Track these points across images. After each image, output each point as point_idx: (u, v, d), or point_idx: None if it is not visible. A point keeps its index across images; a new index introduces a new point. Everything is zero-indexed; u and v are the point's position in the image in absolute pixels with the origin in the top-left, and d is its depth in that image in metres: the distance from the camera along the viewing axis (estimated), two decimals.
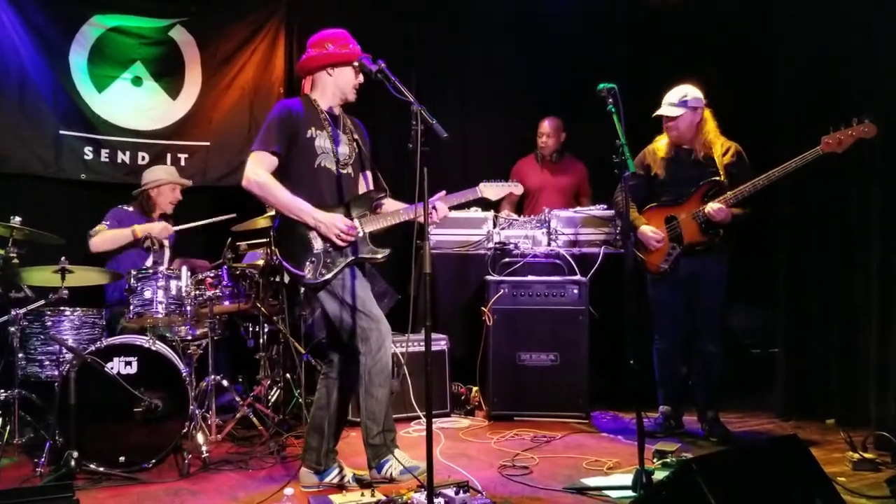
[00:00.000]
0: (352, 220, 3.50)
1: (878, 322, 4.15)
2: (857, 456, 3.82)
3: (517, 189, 4.10)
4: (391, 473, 3.47)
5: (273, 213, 4.71)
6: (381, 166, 3.86)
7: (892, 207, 4.12)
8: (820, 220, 4.82)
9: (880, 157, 4.26)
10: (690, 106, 4.44)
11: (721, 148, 4.46)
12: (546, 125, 5.99)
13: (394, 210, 3.62)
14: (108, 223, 4.86)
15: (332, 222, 3.42)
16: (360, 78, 3.58)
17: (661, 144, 4.58)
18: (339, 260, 3.46)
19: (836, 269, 4.74)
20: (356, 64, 3.56)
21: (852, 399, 4.55)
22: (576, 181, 6.06)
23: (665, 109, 4.45)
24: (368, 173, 3.75)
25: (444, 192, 3.68)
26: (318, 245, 3.45)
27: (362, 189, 3.72)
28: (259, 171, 3.43)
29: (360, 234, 3.53)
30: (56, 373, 4.11)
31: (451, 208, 3.71)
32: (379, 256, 3.59)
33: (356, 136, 3.70)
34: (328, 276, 3.43)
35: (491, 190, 3.95)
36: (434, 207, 3.59)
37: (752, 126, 4.98)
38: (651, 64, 5.93)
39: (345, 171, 3.58)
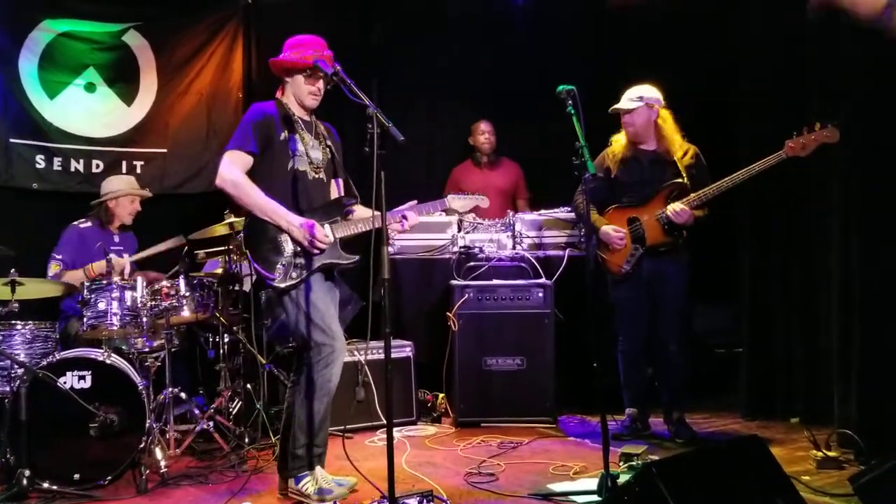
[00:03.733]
0: (323, 225, 3.50)
1: (840, 321, 4.20)
2: (820, 454, 3.86)
3: (483, 203, 4.18)
4: (307, 489, 3.48)
5: (231, 220, 4.72)
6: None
7: (851, 207, 4.18)
8: (781, 220, 4.87)
9: (840, 159, 4.31)
10: (647, 101, 4.49)
11: (680, 149, 4.52)
12: (483, 125, 6.13)
13: (365, 217, 3.63)
14: (60, 259, 4.73)
15: (306, 227, 3.42)
16: (319, 84, 3.57)
17: (619, 146, 4.62)
18: (308, 265, 3.47)
19: (798, 269, 4.79)
20: (308, 71, 3.57)
21: (816, 398, 4.60)
22: (513, 182, 6.16)
23: (622, 103, 4.51)
24: (340, 179, 3.78)
25: (415, 202, 3.73)
26: (288, 249, 3.45)
27: (334, 195, 3.76)
28: (233, 169, 3.43)
29: (331, 240, 3.54)
30: (7, 389, 4.01)
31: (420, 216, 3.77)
32: (349, 263, 3.61)
33: (329, 143, 3.73)
34: (296, 280, 3.43)
35: (459, 202, 4.05)
36: (404, 216, 3.65)
37: (715, 129, 5.04)
38: (614, 67, 5.97)
39: (318, 176, 3.61)
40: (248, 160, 3.48)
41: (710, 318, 5.82)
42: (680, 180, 4.46)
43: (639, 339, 4.60)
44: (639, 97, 4.49)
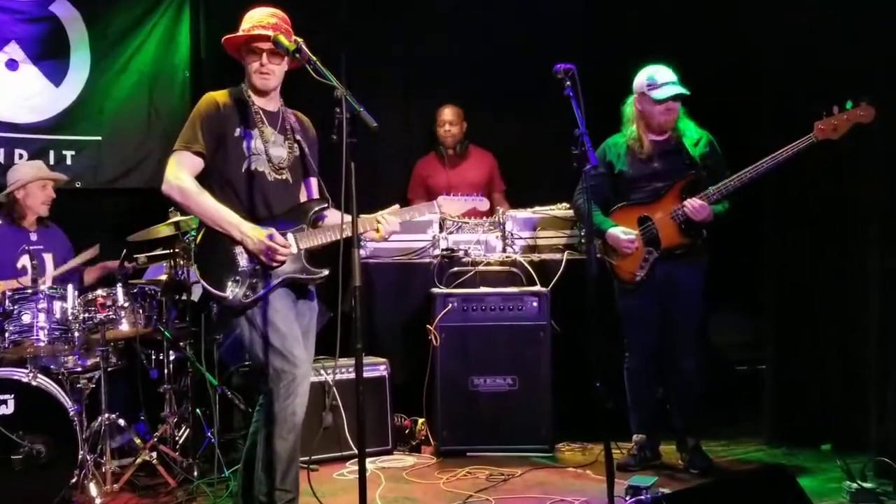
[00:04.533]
0: (285, 234, 3.49)
1: (878, 334, 4.23)
2: (855, 486, 3.86)
3: (482, 205, 4.08)
4: None
5: (177, 219, 4.72)
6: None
7: (893, 201, 4.22)
8: (811, 217, 4.87)
9: (875, 139, 4.33)
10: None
11: (692, 137, 4.53)
12: (447, 112, 6.11)
13: (335, 225, 3.55)
14: None
15: (261, 238, 3.40)
16: (264, 60, 3.52)
17: (623, 138, 4.63)
18: (267, 281, 3.45)
19: (831, 274, 4.80)
20: (247, 46, 3.54)
21: (850, 421, 4.59)
22: (486, 174, 6.14)
23: (680, 88, 4.43)
24: (313, 180, 3.76)
25: (397, 206, 3.73)
26: (243, 262, 3.44)
27: (304, 199, 3.74)
28: (181, 174, 3.42)
29: (295, 251, 3.52)
30: None
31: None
32: (315, 278, 3.59)
33: (298, 137, 3.70)
34: (252, 297, 3.42)
35: (452, 205, 3.96)
36: (378, 222, 3.62)
37: (734, 111, 5.05)
38: (611, 44, 6.02)
39: (280, 178, 3.59)
40: (196, 162, 3.48)
41: (729, 329, 5.83)
42: (695, 172, 4.47)
43: (648, 355, 4.60)
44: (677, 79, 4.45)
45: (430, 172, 6.12)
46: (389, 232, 3.67)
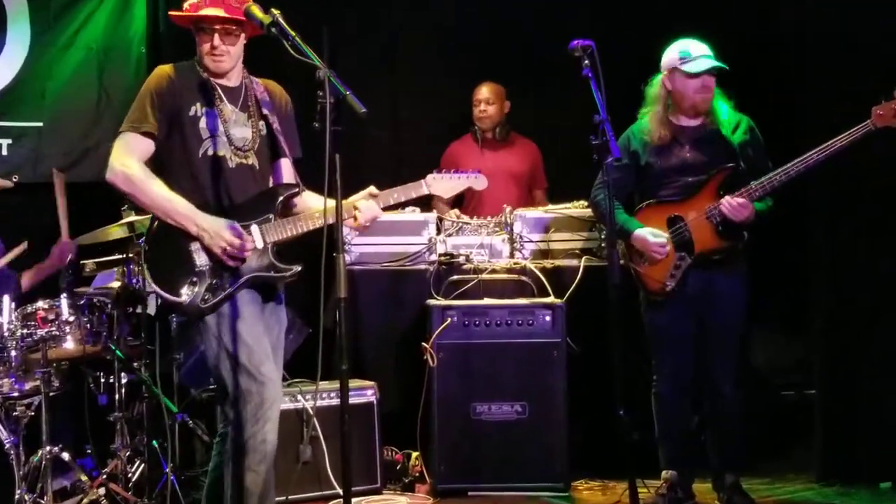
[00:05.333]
0: (249, 227, 3.49)
1: None
2: None
3: (479, 183, 4.00)
4: None
5: (131, 219, 4.72)
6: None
7: None
8: (869, 215, 4.84)
9: None
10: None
11: (730, 122, 4.52)
12: (485, 91, 6.06)
13: (308, 212, 3.60)
14: None
15: (218, 231, 3.40)
16: (216, 41, 3.49)
17: (648, 124, 4.60)
18: (229, 281, 3.45)
19: (892, 285, 4.79)
20: (196, 24, 3.54)
21: None
22: (529, 167, 6.13)
23: (717, 62, 4.43)
24: (285, 162, 3.74)
25: (372, 188, 3.68)
26: (201, 261, 3.44)
27: (273, 184, 3.74)
28: (127, 159, 3.42)
29: (261, 246, 3.51)
30: None
31: (385, 209, 3.71)
32: (285, 275, 3.57)
33: (266, 112, 3.68)
34: (213, 301, 3.42)
35: (442, 184, 3.89)
36: (356, 207, 3.59)
37: (773, 93, 5.14)
38: (636, 18, 6.02)
39: (245, 162, 3.59)
40: (146, 145, 3.47)
41: (774, 349, 5.81)
42: (734, 164, 4.45)
43: (681, 379, 4.56)
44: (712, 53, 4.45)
45: (464, 158, 5.93)
46: (369, 218, 3.62)
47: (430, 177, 3.85)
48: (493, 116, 6.09)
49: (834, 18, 4.97)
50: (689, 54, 4.44)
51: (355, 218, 3.60)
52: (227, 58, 3.54)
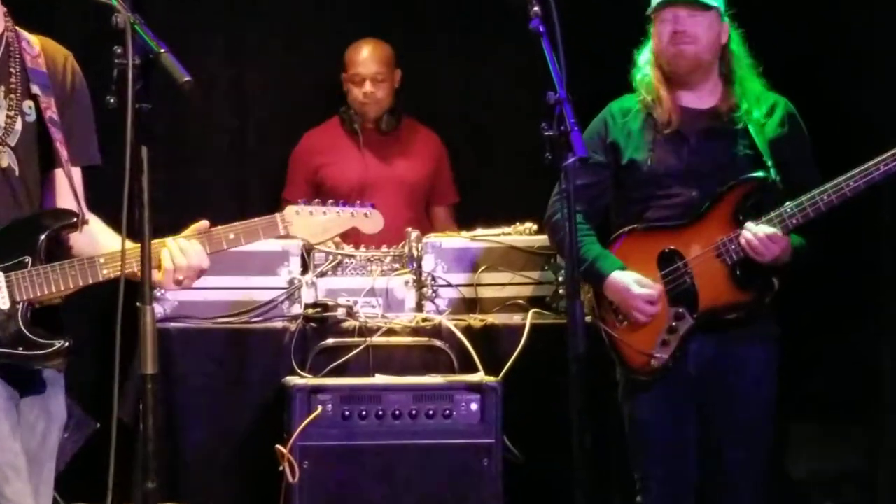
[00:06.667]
0: None
1: None
2: None
3: (371, 224, 3.31)
4: None
5: None
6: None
7: None
8: None
9: None
10: (718, 9, 3.86)
11: (760, 106, 3.90)
12: (368, 58, 5.08)
13: (91, 253, 3.04)
14: None
15: None
16: None
17: (635, 102, 3.99)
18: None
19: None
20: None
21: None
22: (428, 169, 5.29)
23: None
24: (59, 173, 3.10)
25: (205, 223, 3.10)
26: None
27: (60, 201, 3.17)
28: None
29: (6, 307, 2.98)
30: None
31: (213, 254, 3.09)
32: (44, 354, 2.96)
33: (36, 89, 3.06)
34: None
35: (309, 223, 3.27)
36: (173, 259, 3.00)
37: (822, 82, 4.74)
38: None
39: None
40: None
41: (814, 452, 5.12)
42: (762, 174, 3.73)
43: (678, 496, 3.94)
44: None
45: (329, 156, 5.14)
46: (190, 270, 2.97)
47: (289, 210, 3.25)
48: (382, 100, 5.09)
49: None
50: None
51: (159, 268, 3.00)
52: None
